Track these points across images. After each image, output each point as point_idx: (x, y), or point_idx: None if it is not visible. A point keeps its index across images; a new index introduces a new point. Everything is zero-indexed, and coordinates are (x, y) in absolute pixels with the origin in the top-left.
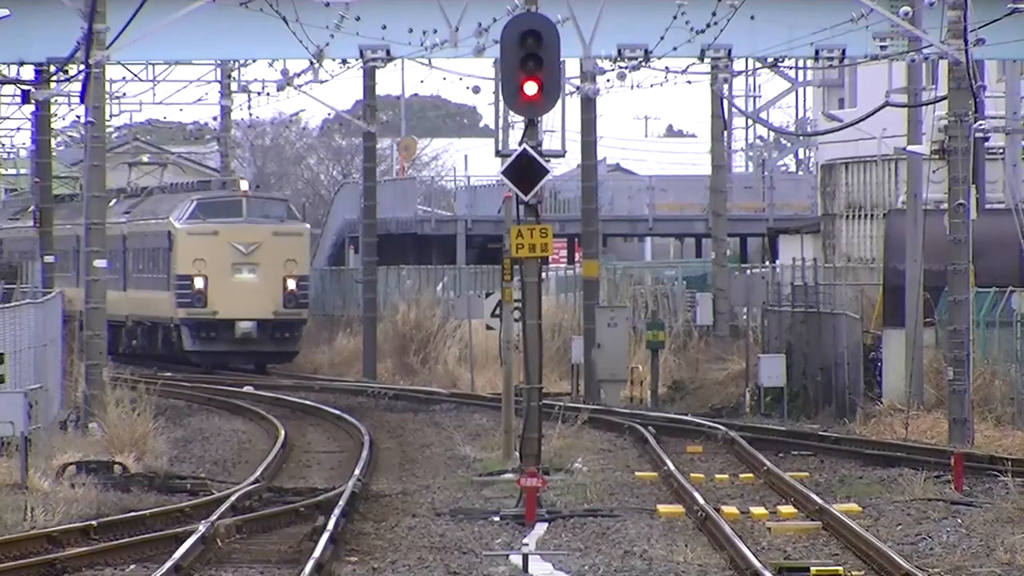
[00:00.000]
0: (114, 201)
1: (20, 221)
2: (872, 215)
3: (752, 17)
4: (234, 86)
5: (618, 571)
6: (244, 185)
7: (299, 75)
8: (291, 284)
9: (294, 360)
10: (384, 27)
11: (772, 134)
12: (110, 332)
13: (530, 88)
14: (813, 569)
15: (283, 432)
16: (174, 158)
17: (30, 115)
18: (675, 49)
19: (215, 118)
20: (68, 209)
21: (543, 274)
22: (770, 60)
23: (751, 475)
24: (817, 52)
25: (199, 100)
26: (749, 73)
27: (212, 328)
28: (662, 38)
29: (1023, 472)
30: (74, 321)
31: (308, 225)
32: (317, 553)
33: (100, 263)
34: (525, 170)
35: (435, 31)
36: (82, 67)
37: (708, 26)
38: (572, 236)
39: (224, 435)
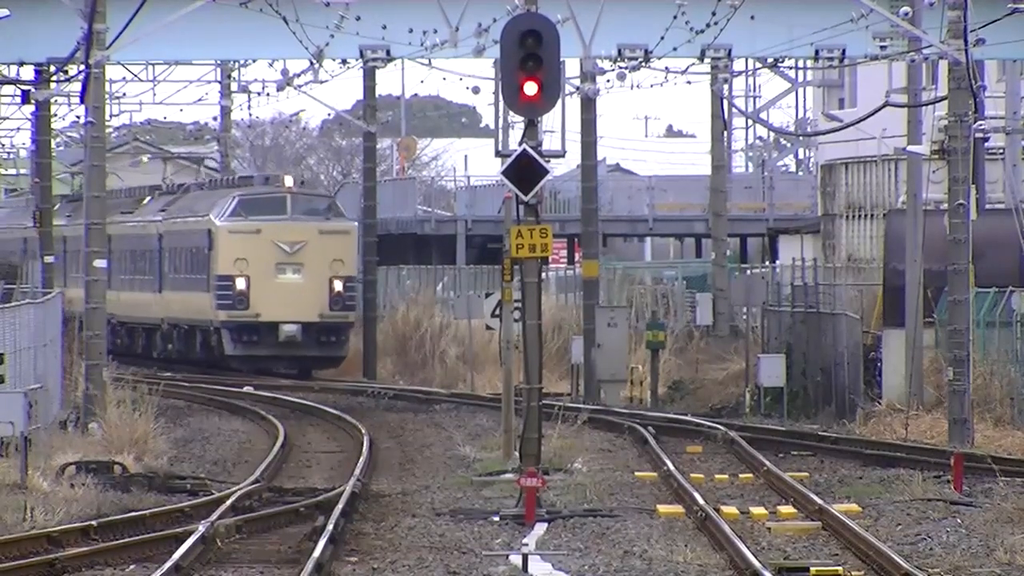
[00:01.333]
0: (148, 199)
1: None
2: (872, 215)
3: (752, 17)
4: (234, 86)
5: (618, 571)
6: (288, 181)
7: (299, 75)
8: (338, 285)
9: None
10: (384, 27)
11: (772, 134)
12: (145, 336)
13: (530, 88)
14: (813, 569)
15: (283, 432)
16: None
17: (30, 115)
18: (675, 49)
19: (215, 118)
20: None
21: (543, 274)
22: (770, 60)
23: (751, 475)
24: (817, 52)
25: (199, 100)
26: (749, 73)
27: (254, 331)
28: (662, 38)
29: (1023, 472)
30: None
31: (356, 223)
32: (317, 553)
33: (100, 263)
34: (525, 170)
35: (435, 31)
36: (82, 67)
37: (708, 26)
38: (572, 236)
39: (224, 435)
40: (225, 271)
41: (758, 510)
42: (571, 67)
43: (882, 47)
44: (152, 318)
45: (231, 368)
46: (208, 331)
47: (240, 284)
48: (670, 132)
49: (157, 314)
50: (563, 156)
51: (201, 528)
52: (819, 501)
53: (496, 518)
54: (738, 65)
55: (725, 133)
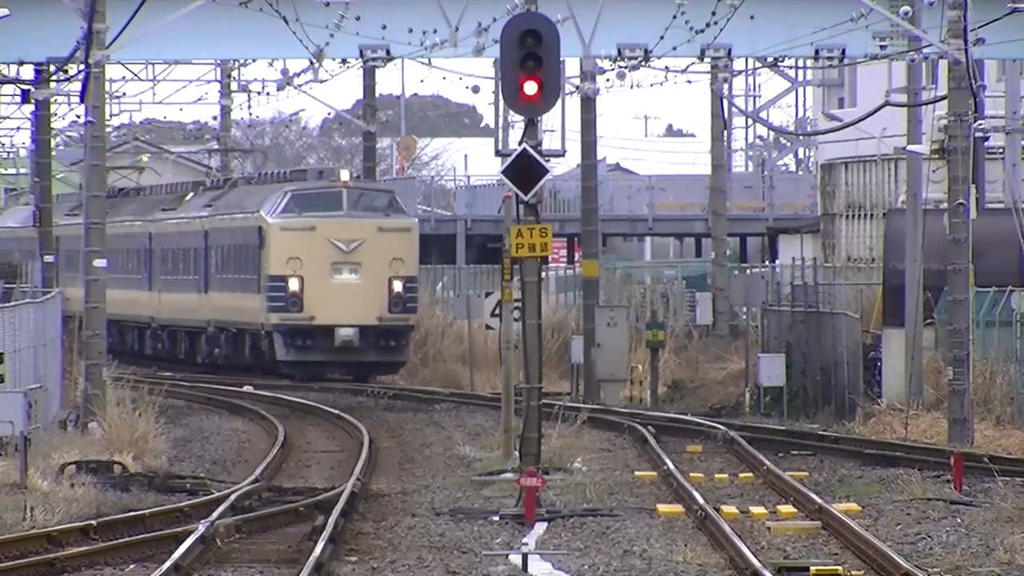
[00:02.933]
0: (191, 195)
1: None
2: (872, 215)
3: (752, 17)
4: (234, 86)
5: (618, 571)
6: (344, 175)
7: (299, 75)
8: (397, 286)
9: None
10: (384, 27)
11: (772, 134)
12: (188, 340)
13: (530, 88)
14: (813, 569)
15: (283, 432)
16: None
17: (30, 115)
18: (675, 49)
19: (215, 118)
20: (137, 204)
21: (543, 274)
22: (770, 60)
23: (751, 475)
24: (817, 52)
25: (199, 100)
26: (749, 73)
27: (308, 335)
28: (662, 38)
29: (1023, 472)
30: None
31: (416, 219)
32: (316, 553)
33: (100, 263)
34: (525, 170)
35: (435, 31)
36: (82, 67)
37: (708, 26)
38: (572, 236)
39: (224, 435)
40: (277, 271)
41: (758, 510)
42: (571, 67)
43: (882, 47)
44: (196, 321)
45: (283, 374)
46: (258, 335)
47: (293, 285)
48: (670, 132)
49: (202, 317)
50: (563, 155)
51: (201, 528)
52: (819, 501)
53: (496, 518)
54: (738, 65)
55: (725, 133)
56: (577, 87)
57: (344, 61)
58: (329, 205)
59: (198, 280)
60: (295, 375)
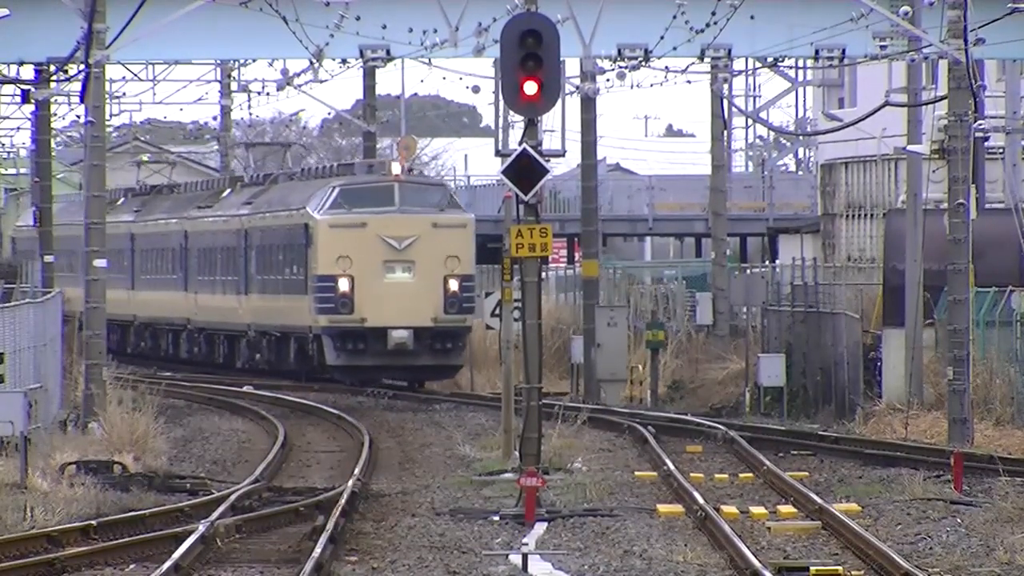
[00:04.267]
0: (227, 191)
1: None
2: (872, 215)
3: (752, 17)
4: (234, 86)
5: (618, 571)
6: (396, 168)
7: (299, 75)
8: (453, 285)
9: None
10: (384, 27)
11: (772, 134)
12: (227, 344)
13: (530, 88)
14: (813, 569)
15: (283, 432)
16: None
17: (30, 115)
18: (675, 49)
19: (215, 118)
20: (171, 201)
21: (543, 274)
22: (770, 60)
23: (751, 475)
24: (817, 52)
25: (199, 100)
26: (749, 73)
27: (359, 338)
28: (662, 38)
29: (1023, 472)
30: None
31: (472, 215)
32: (317, 553)
33: (100, 263)
34: (525, 170)
35: (435, 31)
36: (82, 67)
37: (708, 26)
38: (572, 236)
39: (224, 435)
40: (326, 271)
41: (758, 510)
42: (571, 67)
43: (882, 47)
44: (236, 324)
45: (332, 380)
46: (305, 339)
47: (343, 285)
48: (670, 132)
49: (242, 320)
50: (563, 155)
51: (201, 528)
52: (819, 501)
53: (496, 518)
54: (738, 65)
55: (725, 133)
56: (577, 87)
57: (344, 61)
58: (380, 200)
59: (237, 281)
60: (345, 380)
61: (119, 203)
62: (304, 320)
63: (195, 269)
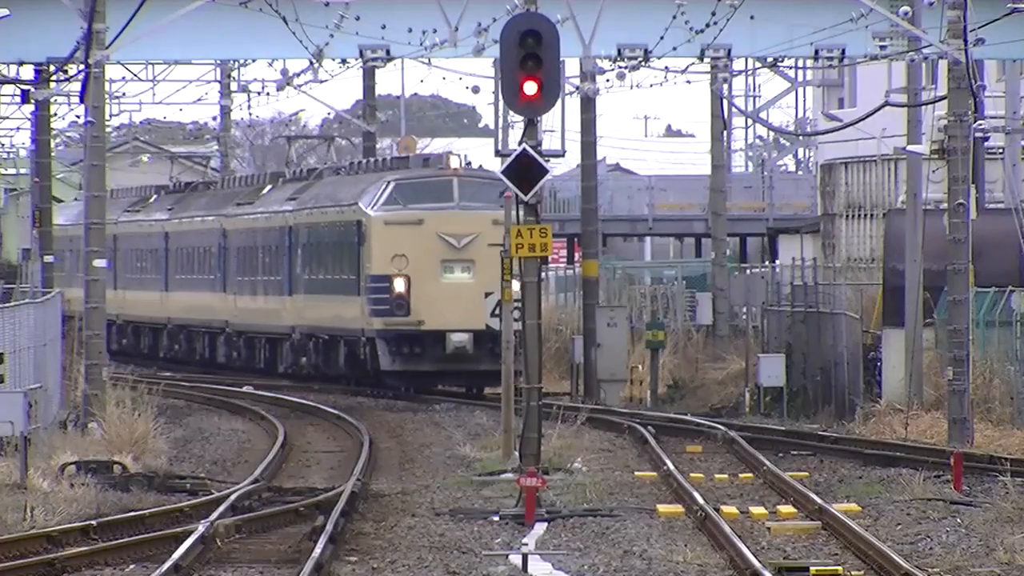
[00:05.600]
0: (269, 187)
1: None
2: (872, 215)
3: (752, 17)
4: (234, 86)
5: (618, 571)
6: (455, 161)
7: (299, 75)
8: (515, 285)
9: None
10: (384, 27)
11: (772, 134)
12: (269, 348)
13: (530, 88)
14: (813, 569)
15: (283, 432)
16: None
17: (30, 115)
18: (675, 49)
19: (215, 118)
20: (207, 199)
21: (543, 274)
22: (770, 60)
23: (751, 475)
24: (817, 52)
25: (199, 100)
26: (749, 73)
27: (416, 342)
28: (662, 38)
29: (1023, 472)
30: (225, 335)
31: None
32: (316, 553)
33: (100, 263)
34: (525, 170)
35: (435, 31)
36: (82, 67)
37: (708, 26)
38: (572, 236)
39: (224, 435)
40: (380, 270)
41: (758, 510)
42: (571, 67)
43: (882, 47)
44: (280, 327)
45: (387, 385)
46: (356, 342)
47: (399, 286)
48: (670, 132)
49: (286, 322)
50: (563, 156)
51: (201, 528)
52: (819, 501)
53: (496, 518)
54: (738, 65)
55: (725, 133)
56: (577, 87)
57: (344, 61)
58: (438, 195)
59: (281, 281)
60: (400, 386)
61: (151, 201)
62: (356, 323)
63: (234, 269)
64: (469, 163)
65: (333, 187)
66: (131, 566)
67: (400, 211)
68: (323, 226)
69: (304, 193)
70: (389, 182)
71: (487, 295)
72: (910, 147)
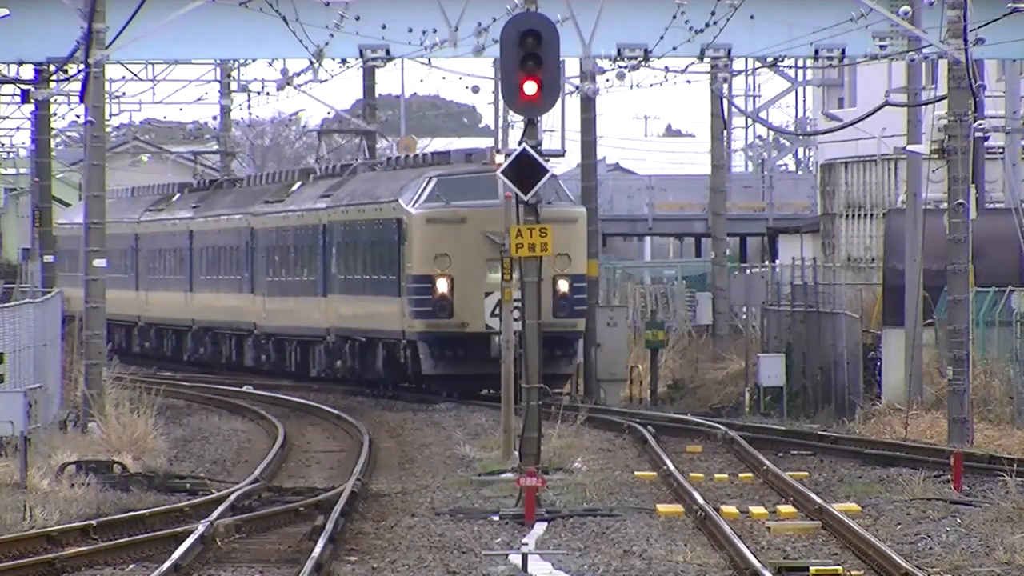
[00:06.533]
0: (298, 184)
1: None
2: (872, 215)
3: (752, 17)
4: (234, 86)
5: (617, 571)
6: (500, 157)
7: (299, 75)
8: (563, 286)
9: None
10: (384, 27)
11: (772, 134)
12: (301, 350)
13: (530, 88)
14: (812, 569)
15: (282, 432)
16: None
17: (30, 115)
18: (675, 49)
19: (215, 118)
20: (233, 196)
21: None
22: (770, 60)
23: (751, 475)
24: (817, 52)
25: (199, 100)
26: (749, 73)
27: (459, 345)
28: (662, 38)
29: (1023, 472)
30: (255, 337)
31: (584, 208)
32: (316, 553)
33: (100, 263)
34: (525, 170)
35: (435, 31)
36: (82, 67)
37: (707, 26)
38: None
39: (223, 435)
40: (422, 270)
41: (758, 509)
42: (571, 67)
43: (882, 47)
44: (313, 329)
45: (428, 390)
46: (395, 345)
47: (441, 286)
48: (670, 132)
49: (319, 324)
50: (563, 155)
51: (200, 528)
52: (819, 501)
53: (496, 517)
54: (738, 65)
55: (725, 133)
56: (577, 87)
57: (344, 61)
58: (482, 192)
59: (314, 281)
60: (443, 391)
61: (174, 199)
62: (396, 324)
63: (263, 269)
64: None
65: (370, 183)
66: (131, 566)
67: (443, 208)
68: (360, 224)
69: (338, 190)
70: (431, 178)
71: (486, 295)
72: (910, 147)
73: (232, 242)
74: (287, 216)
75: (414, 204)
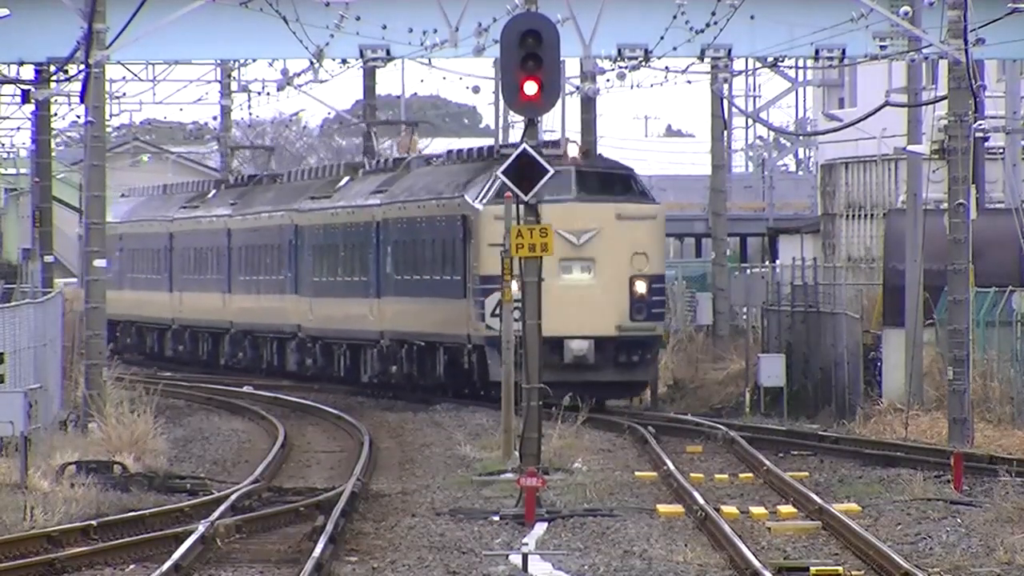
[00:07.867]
0: (346, 179)
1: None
2: (872, 215)
3: (752, 17)
4: (234, 86)
5: (618, 571)
6: (573, 150)
7: (299, 75)
8: (640, 287)
9: None
10: (384, 27)
11: (772, 134)
12: (351, 355)
13: (530, 88)
14: (813, 569)
15: (283, 432)
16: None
17: (30, 115)
18: (675, 49)
19: (215, 118)
20: (273, 192)
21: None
22: (770, 60)
23: (751, 475)
24: (817, 52)
25: (199, 100)
26: (749, 73)
27: None
28: (662, 38)
29: (1023, 472)
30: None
31: (661, 204)
32: (317, 553)
33: (100, 263)
34: (525, 170)
35: (435, 31)
36: (82, 67)
37: (708, 26)
38: None
39: (224, 435)
40: (490, 270)
41: (758, 510)
42: (571, 67)
43: (882, 47)
44: (364, 332)
45: (495, 398)
46: (459, 350)
47: (511, 287)
48: (670, 132)
49: (373, 327)
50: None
51: (201, 528)
52: (819, 501)
53: (496, 518)
54: (738, 65)
55: (725, 133)
56: (577, 87)
57: (344, 61)
58: (554, 187)
59: (367, 282)
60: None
61: (210, 196)
62: (460, 328)
63: (309, 269)
64: (587, 152)
65: (427, 178)
66: (131, 566)
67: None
68: (419, 221)
69: (393, 185)
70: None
71: (487, 295)
72: (910, 147)
73: (274, 240)
74: (336, 213)
75: (481, 200)
